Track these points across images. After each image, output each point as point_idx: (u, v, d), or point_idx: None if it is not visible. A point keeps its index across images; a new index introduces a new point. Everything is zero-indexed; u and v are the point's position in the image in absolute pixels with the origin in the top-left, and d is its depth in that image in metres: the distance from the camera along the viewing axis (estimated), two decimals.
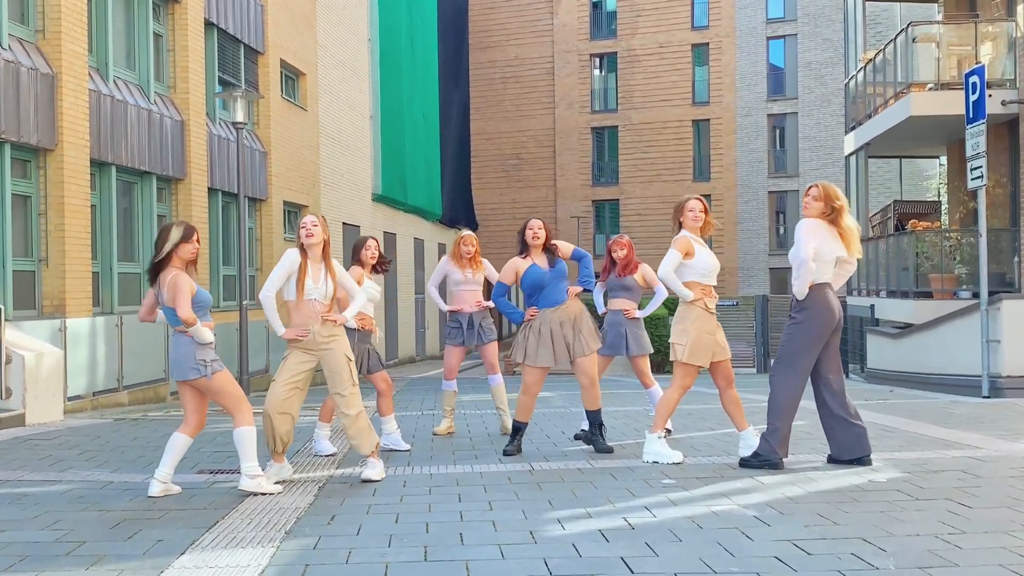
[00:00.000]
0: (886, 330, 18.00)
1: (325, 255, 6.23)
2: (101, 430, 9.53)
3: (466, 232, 8.56)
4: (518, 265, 7.15)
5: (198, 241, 5.96)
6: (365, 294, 6.11)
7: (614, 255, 8.26)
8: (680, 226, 6.74)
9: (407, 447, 7.70)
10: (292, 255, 6.15)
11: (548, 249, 7.13)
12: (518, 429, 7.29)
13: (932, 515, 5.01)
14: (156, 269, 5.88)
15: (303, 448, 7.78)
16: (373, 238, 7.73)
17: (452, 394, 8.57)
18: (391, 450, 7.55)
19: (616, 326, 8.16)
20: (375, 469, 6.30)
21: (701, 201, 6.78)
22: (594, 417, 7.25)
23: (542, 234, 7.11)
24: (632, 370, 8.50)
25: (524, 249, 7.17)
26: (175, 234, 5.88)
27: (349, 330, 7.09)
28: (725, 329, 7.08)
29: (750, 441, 6.79)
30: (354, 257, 7.58)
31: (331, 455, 7.37)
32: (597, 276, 8.26)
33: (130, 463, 7.29)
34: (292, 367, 6.18)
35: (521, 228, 7.20)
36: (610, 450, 7.20)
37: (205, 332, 5.83)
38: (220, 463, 7.17)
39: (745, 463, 6.49)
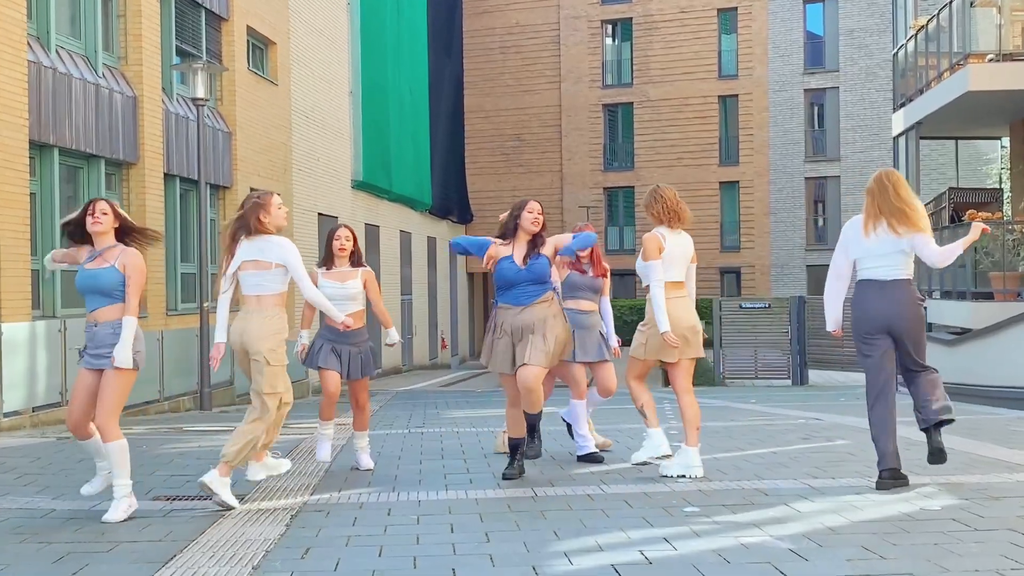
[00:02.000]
0: (939, 335, 17.98)
1: None
2: (41, 450, 9.51)
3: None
4: (498, 251, 6.93)
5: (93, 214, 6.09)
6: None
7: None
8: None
9: (371, 466, 7.86)
10: None
11: (535, 241, 6.91)
12: (516, 447, 7.22)
13: (993, 548, 5.00)
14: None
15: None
16: (345, 226, 7.95)
17: None
18: (354, 468, 7.85)
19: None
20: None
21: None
22: (531, 420, 7.13)
23: (541, 220, 6.91)
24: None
25: (513, 231, 6.95)
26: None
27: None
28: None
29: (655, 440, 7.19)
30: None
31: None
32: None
33: (75, 487, 7.25)
34: None
35: (516, 209, 6.95)
36: (537, 455, 7.35)
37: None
38: (178, 488, 7.15)
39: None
